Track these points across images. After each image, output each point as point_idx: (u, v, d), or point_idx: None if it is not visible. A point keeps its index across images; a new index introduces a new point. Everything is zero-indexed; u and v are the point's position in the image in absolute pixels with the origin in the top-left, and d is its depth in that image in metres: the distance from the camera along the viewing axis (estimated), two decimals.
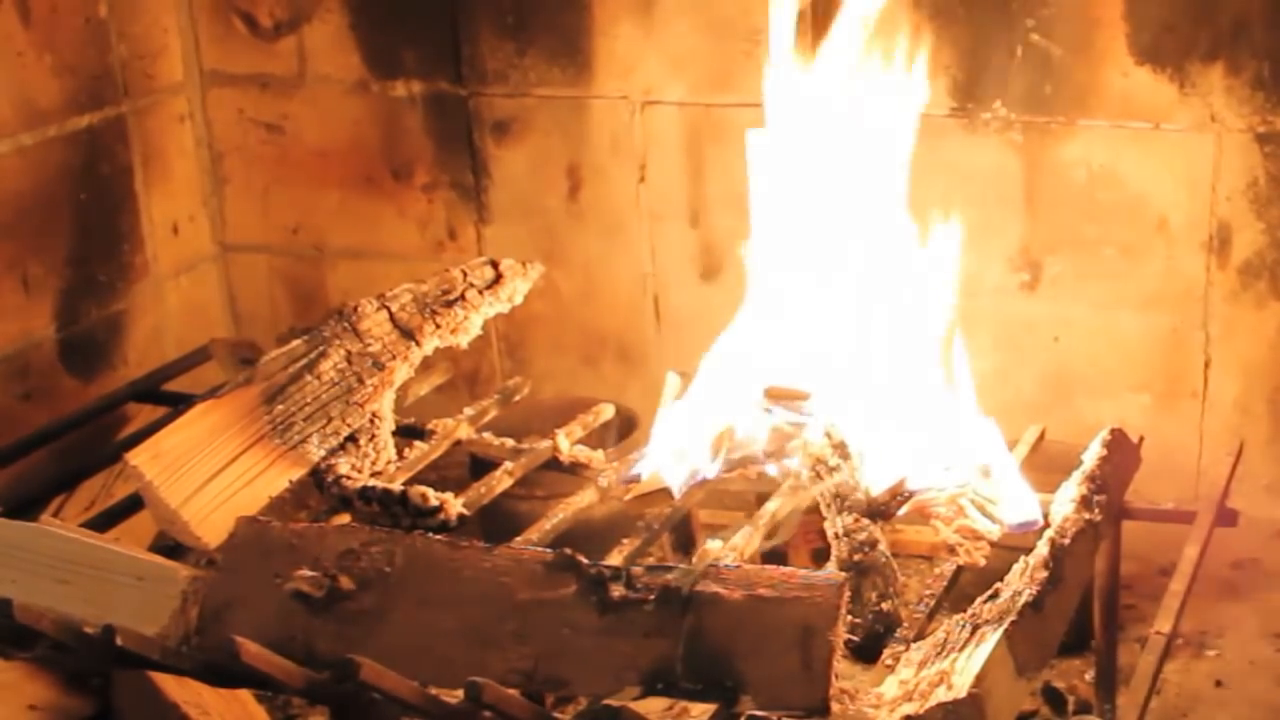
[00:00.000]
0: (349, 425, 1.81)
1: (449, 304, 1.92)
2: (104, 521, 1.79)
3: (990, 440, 1.78)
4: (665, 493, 1.78)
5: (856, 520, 1.66)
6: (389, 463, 1.84)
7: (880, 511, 1.70)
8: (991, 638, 1.35)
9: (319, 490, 1.79)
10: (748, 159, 2.00)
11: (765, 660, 1.31)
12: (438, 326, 1.90)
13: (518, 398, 2.09)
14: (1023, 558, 1.48)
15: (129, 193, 2.48)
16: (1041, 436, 1.91)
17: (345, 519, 1.74)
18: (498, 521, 1.94)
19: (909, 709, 1.30)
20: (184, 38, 2.57)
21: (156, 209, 2.54)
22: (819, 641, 1.31)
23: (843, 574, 1.46)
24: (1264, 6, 2.10)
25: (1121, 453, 1.70)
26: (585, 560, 1.39)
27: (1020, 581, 1.44)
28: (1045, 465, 1.81)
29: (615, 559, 1.62)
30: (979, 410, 1.82)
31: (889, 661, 1.44)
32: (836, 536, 1.66)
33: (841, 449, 1.73)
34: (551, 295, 2.45)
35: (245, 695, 1.69)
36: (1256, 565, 2.17)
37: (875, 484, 1.72)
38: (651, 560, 1.65)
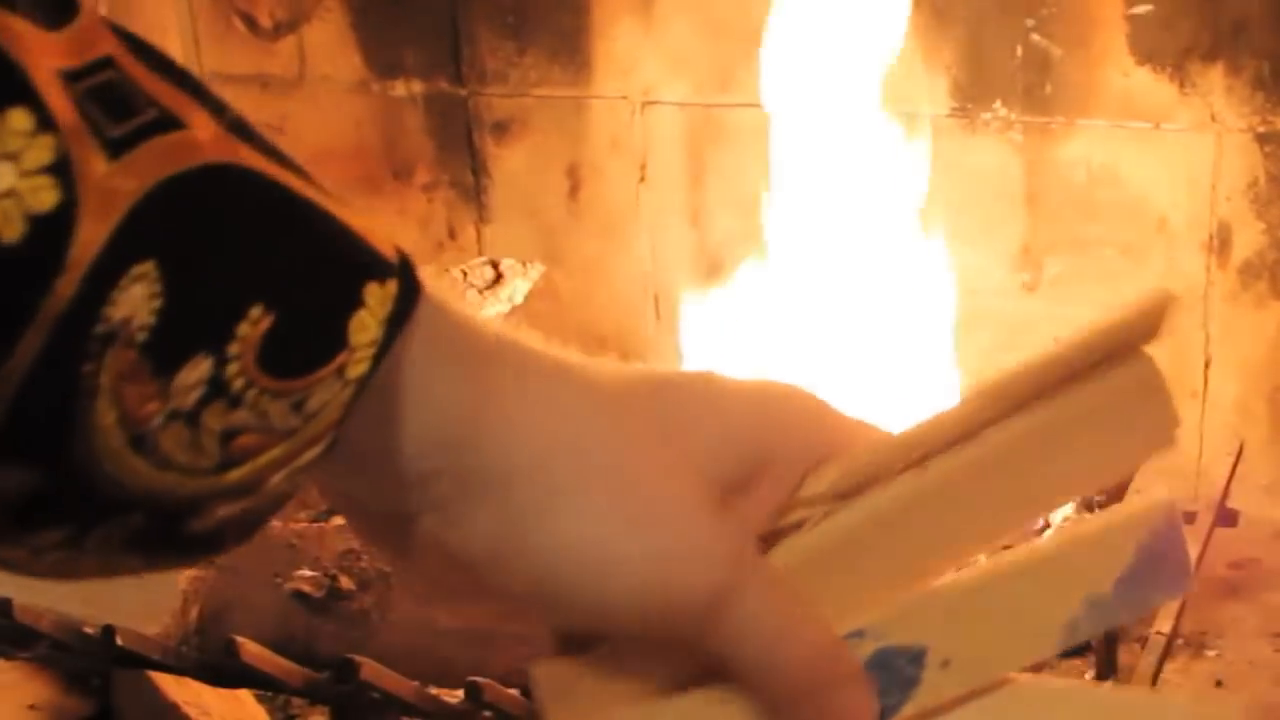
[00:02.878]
0: None
1: None
2: None
3: None
4: None
5: None
6: None
7: None
8: None
9: (319, 490, 1.79)
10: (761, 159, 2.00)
11: None
12: None
13: None
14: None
15: None
16: None
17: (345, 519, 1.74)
18: None
19: None
20: (184, 38, 2.57)
21: None
22: None
23: None
24: (1264, 6, 2.10)
25: None
26: None
27: None
28: None
29: None
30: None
31: None
32: None
33: None
34: (551, 295, 2.45)
35: (245, 695, 1.69)
36: (1256, 565, 2.17)
37: None
38: None
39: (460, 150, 2.52)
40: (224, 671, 1.43)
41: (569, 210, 2.50)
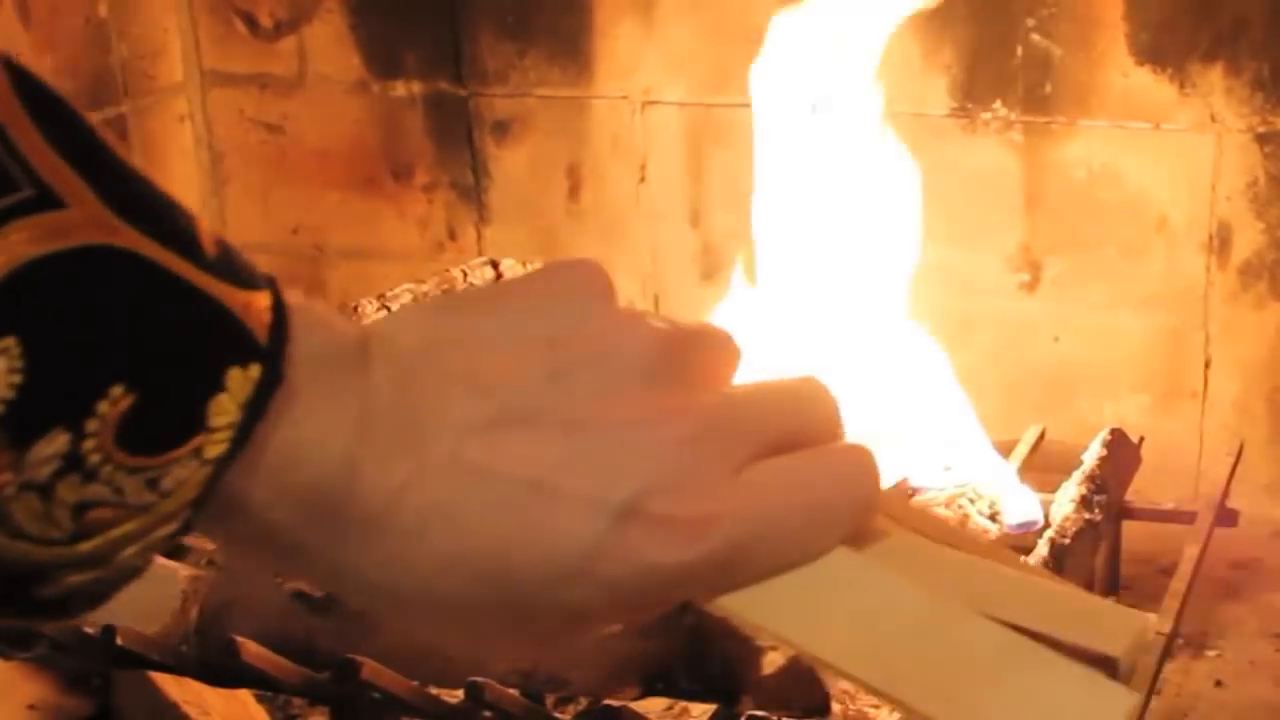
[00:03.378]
0: None
1: None
2: None
3: (984, 441, 1.78)
4: None
5: None
6: None
7: None
8: None
9: None
10: (752, 154, 2.00)
11: (765, 660, 1.31)
12: None
13: None
14: (1022, 558, 1.48)
15: None
16: (1041, 436, 1.90)
17: None
18: None
19: None
20: (184, 38, 2.57)
21: None
22: None
23: None
24: (1264, 6, 2.10)
25: (1121, 453, 1.70)
26: None
27: None
28: (1045, 465, 1.81)
29: None
30: (974, 411, 1.82)
31: None
32: None
33: None
34: None
35: (245, 695, 1.69)
36: (1256, 565, 2.17)
37: None
38: None
39: (460, 151, 2.52)
40: (224, 671, 1.43)
41: (569, 210, 2.50)
